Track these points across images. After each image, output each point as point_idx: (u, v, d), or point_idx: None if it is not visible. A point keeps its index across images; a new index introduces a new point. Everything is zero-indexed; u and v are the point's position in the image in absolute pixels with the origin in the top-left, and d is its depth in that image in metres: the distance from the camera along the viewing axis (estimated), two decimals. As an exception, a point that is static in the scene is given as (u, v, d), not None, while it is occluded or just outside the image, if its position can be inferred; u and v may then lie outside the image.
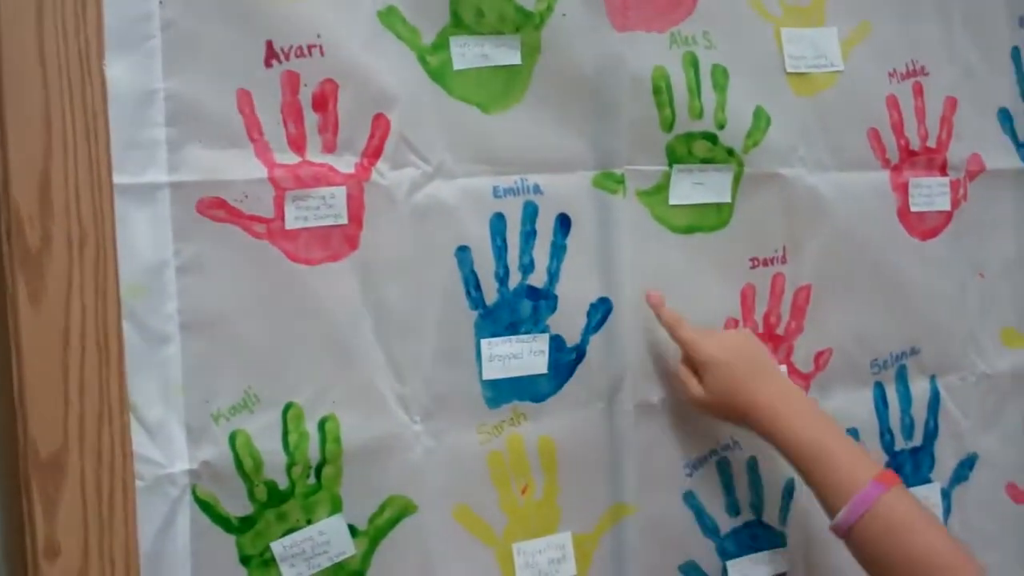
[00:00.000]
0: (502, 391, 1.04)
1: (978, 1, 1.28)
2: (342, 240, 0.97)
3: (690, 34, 1.10)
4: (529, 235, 1.05)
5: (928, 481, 1.25)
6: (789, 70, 1.15)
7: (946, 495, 1.27)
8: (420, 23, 1.00)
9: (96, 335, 0.88)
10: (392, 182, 0.99)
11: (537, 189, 1.05)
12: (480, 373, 1.03)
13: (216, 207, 0.92)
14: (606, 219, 1.08)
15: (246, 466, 0.93)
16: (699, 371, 1.06)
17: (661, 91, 1.08)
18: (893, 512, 0.95)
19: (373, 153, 0.98)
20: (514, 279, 1.04)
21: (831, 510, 0.97)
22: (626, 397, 1.09)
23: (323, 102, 0.96)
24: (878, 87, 1.21)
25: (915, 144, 1.23)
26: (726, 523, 1.14)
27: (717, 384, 1.04)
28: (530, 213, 1.05)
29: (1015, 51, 1.31)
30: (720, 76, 1.11)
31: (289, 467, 0.94)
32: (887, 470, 0.99)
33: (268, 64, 0.94)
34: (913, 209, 1.22)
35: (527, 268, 1.05)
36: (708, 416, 1.09)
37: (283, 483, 0.95)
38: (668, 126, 1.09)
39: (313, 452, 0.96)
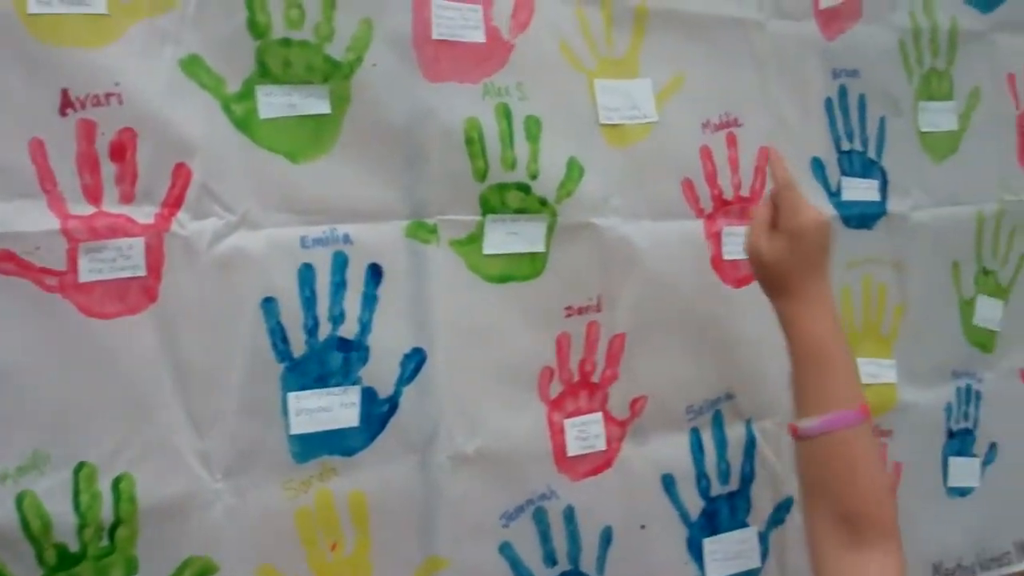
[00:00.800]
0: (310, 445, 1.05)
1: (792, 52, 1.35)
2: (140, 293, 0.97)
3: (503, 85, 1.14)
4: (339, 286, 1.06)
5: (745, 525, 1.30)
6: (603, 122, 1.20)
7: (763, 539, 1.32)
8: (225, 71, 1.01)
9: None
10: (193, 233, 0.99)
11: (347, 239, 1.07)
12: (287, 427, 1.04)
13: (4, 260, 0.91)
14: (419, 269, 1.10)
15: (34, 528, 0.92)
16: (779, 229, 1.09)
17: (473, 141, 1.11)
18: (859, 442, 1.01)
19: (173, 203, 0.99)
20: (324, 330, 1.06)
21: (807, 411, 1.03)
22: (440, 449, 1.11)
23: (121, 151, 0.97)
24: (692, 138, 1.26)
25: (728, 193, 1.29)
26: (543, 574, 1.17)
27: (785, 251, 1.08)
28: (340, 263, 1.06)
29: (828, 102, 1.39)
30: (533, 127, 1.15)
31: (80, 529, 0.94)
32: (867, 404, 1.05)
33: (63, 113, 0.94)
34: (726, 257, 1.27)
35: (337, 319, 1.06)
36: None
37: (74, 546, 0.94)
38: (481, 176, 1.12)
39: (107, 513, 0.95)
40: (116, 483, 0.96)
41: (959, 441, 1.52)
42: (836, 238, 1.35)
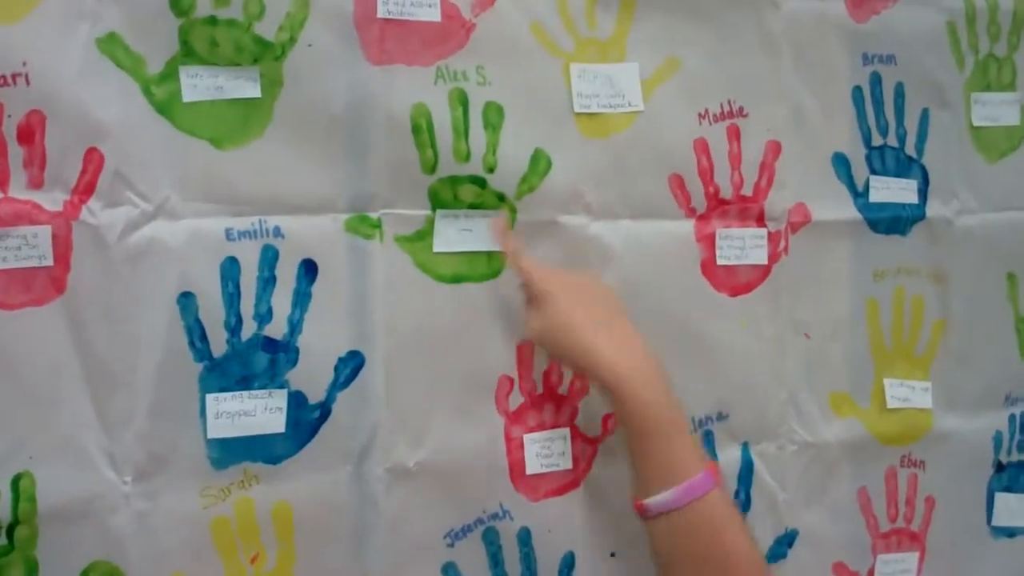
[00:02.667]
0: (230, 451, 1.04)
1: (813, 35, 1.26)
2: (47, 283, 0.97)
3: (460, 69, 1.10)
4: (267, 282, 1.05)
5: (737, 558, 1.24)
6: (578, 110, 1.15)
7: (760, 574, 1.25)
8: (146, 51, 1.00)
9: None
10: (104, 222, 0.99)
11: (278, 232, 1.05)
12: (205, 431, 1.03)
13: (-97, 245, 0.92)
14: (360, 266, 1.08)
15: (-75, 527, 0.93)
16: (533, 304, 1.07)
17: (421, 130, 1.08)
18: (716, 508, 0.98)
19: (84, 190, 0.98)
20: (248, 329, 1.04)
21: (651, 488, 0.99)
22: (377, 460, 1.08)
23: (29, 135, 0.97)
24: (684, 130, 1.20)
25: (726, 192, 1.22)
26: (495, 599, 1.14)
27: (548, 320, 1.05)
28: (269, 258, 1.04)
29: (856, 91, 1.30)
30: (494, 115, 1.11)
31: (-26, 527, 0.95)
32: (715, 463, 1.03)
33: (-33, 94, 0.95)
34: (720, 262, 1.21)
35: (264, 318, 1.04)
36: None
37: (-32, 544, 0.95)
38: (430, 168, 1.09)
39: (4, 511, 0.96)
40: (15, 481, 0.97)
41: (1010, 475, 1.42)
42: (862, 244, 1.29)
